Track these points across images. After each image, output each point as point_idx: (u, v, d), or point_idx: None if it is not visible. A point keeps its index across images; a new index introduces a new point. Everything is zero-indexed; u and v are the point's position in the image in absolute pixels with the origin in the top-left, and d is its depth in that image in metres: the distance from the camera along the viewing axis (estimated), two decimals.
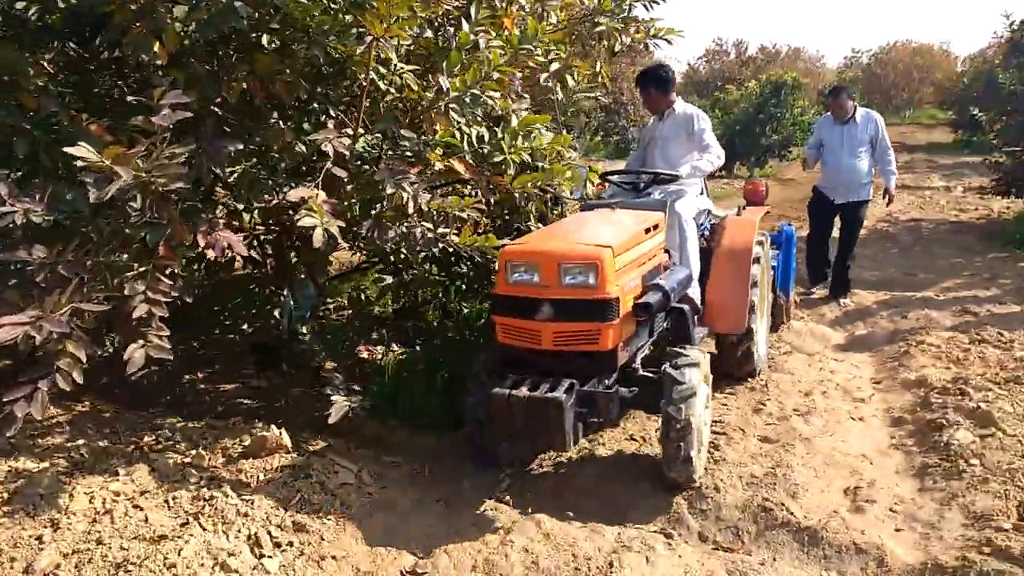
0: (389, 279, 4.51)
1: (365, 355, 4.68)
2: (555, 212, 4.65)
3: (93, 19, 3.12)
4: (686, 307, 3.91)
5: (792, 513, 3.32)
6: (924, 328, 5.79)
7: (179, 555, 2.78)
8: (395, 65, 3.35)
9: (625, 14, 4.52)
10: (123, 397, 4.36)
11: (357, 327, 4.36)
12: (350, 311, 4.68)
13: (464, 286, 4.33)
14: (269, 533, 3.02)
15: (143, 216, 2.88)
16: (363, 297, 4.56)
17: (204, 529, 2.95)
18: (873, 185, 6.73)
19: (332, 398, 3.77)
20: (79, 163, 2.51)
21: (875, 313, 6.43)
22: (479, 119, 3.68)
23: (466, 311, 4.50)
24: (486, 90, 3.47)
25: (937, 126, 28.21)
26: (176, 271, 3.00)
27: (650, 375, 3.68)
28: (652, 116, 5.04)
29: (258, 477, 3.39)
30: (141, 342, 2.88)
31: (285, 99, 3.39)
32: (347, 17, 3.22)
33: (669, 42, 4.71)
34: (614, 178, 4.71)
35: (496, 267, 3.58)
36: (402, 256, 4.29)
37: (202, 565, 2.76)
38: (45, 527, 2.98)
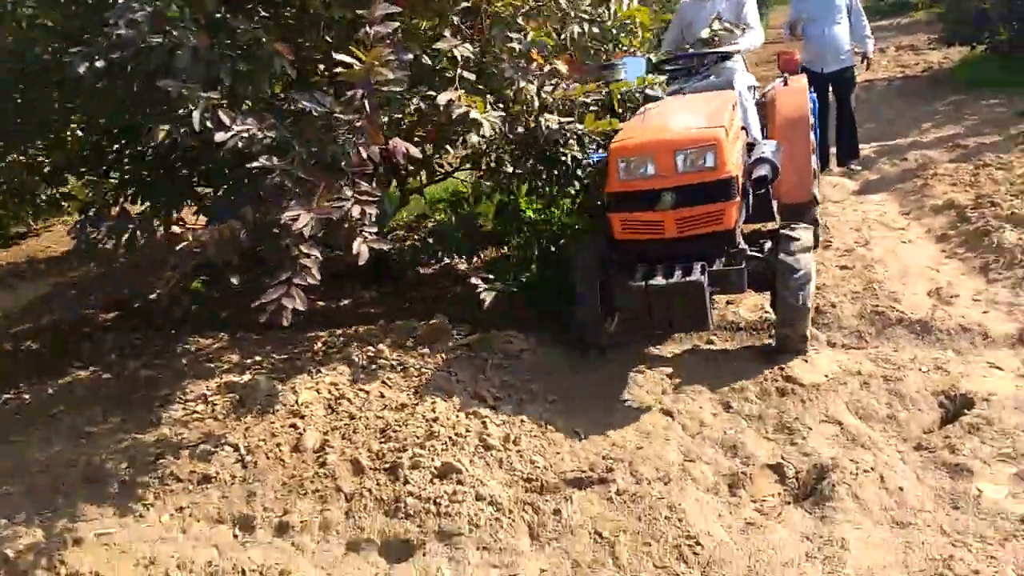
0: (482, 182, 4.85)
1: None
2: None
3: None
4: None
5: (901, 311, 3.93)
6: (928, 164, 6.47)
7: (434, 411, 3.20)
8: None
9: None
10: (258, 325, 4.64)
11: (464, 230, 4.67)
12: (452, 216, 4.99)
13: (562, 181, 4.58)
14: (487, 392, 3.45)
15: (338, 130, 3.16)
16: (466, 200, 4.87)
17: (435, 397, 3.35)
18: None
19: (479, 287, 4.15)
20: (340, 68, 2.79)
21: (875, 161, 7.07)
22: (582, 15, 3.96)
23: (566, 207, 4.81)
24: None
25: None
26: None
27: (756, 253, 3.69)
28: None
29: (444, 356, 3.78)
30: (360, 238, 3.21)
31: (424, 14, 3.63)
32: None
33: None
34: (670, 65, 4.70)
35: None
36: (493, 157, 4.63)
37: (459, 415, 3.18)
38: (290, 417, 3.35)
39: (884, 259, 4.71)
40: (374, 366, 3.73)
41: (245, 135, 2.98)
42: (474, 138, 3.53)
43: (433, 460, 2.94)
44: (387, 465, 2.97)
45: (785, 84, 4.82)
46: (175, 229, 4.03)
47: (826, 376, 3.43)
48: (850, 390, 3.31)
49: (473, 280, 4.28)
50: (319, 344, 4.11)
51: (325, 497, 2.88)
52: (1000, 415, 2.99)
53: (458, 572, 2.49)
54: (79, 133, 4.09)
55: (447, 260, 4.80)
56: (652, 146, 3.46)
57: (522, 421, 3.23)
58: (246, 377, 3.75)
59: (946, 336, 3.74)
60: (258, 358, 4.02)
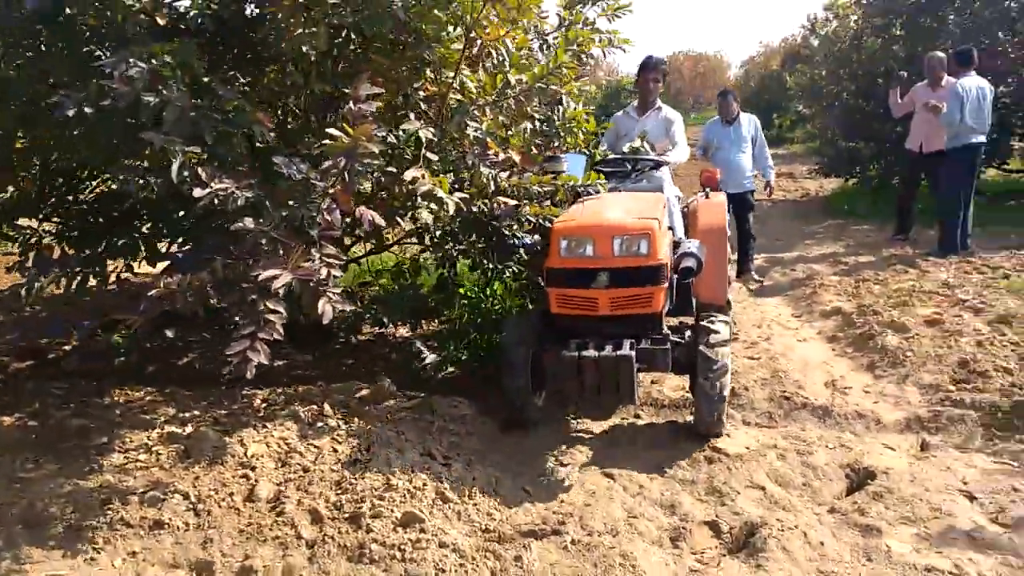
0: (424, 254, 5.10)
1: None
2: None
3: (242, 20, 3.52)
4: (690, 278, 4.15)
5: (805, 397, 4.39)
6: (815, 275, 7.22)
7: (389, 466, 3.31)
8: (487, 64, 4.01)
9: (593, 24, 5.35)
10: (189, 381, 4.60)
11: (407, 299, 4.86)
12: (395, 285, 5.16)
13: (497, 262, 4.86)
14: (435, 451, 3.59)
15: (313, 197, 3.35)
16: (408, 271, 5.07)
17: (387, 451, 3.46)
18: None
19: (423, 354, 4.33)
20: (328, 141, 3.00)
21: (767, 270, 7.82)
22: (534, 113, 4.37)
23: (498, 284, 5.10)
24: (551, 83, 4.21)
25: None
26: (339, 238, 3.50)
27: (677, 338, 3.99)
28: (630, 108, 5.73)
29: (389, 416, 3.90)
30: (325, 298, 3.35)
31: (391, 96, 3.94)
32: (453, 28, 3.84)
33: (624, 51, 5.63)
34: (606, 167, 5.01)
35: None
36: (439, 233, 4.89)
37: (413, 470, 3.30)
38: (241, 468, 3.38)
39: (785, 353, 5.23)
40: (320, 424, 3.80)
41: (222, 193, 3.12)
42: (426, 215, 3.72)
43: (393, 511, 3.04)
44: (347, 515, 3.04)
45: (706, 197, 5.18)
46: (128, 276, 4.05)
47: (747, 448, 3.78)
48: (769, 461, 3.66)
49: (418, 345, 4.48)
50: (259, 401, 4.15)
51: (286, 544, 2.91)
52: (899, 485, 3.39)
53: None
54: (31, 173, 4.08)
55: (387, 327, 4.94)
56: (592, 229, 3.80)
57: (473, 478, 3.39)
58: (188, 429, 3.74)
59: (844, 420, 4.19)
60: (196, 412, 4.00)
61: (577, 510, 3.20)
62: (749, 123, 7.55)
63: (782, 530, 3.04)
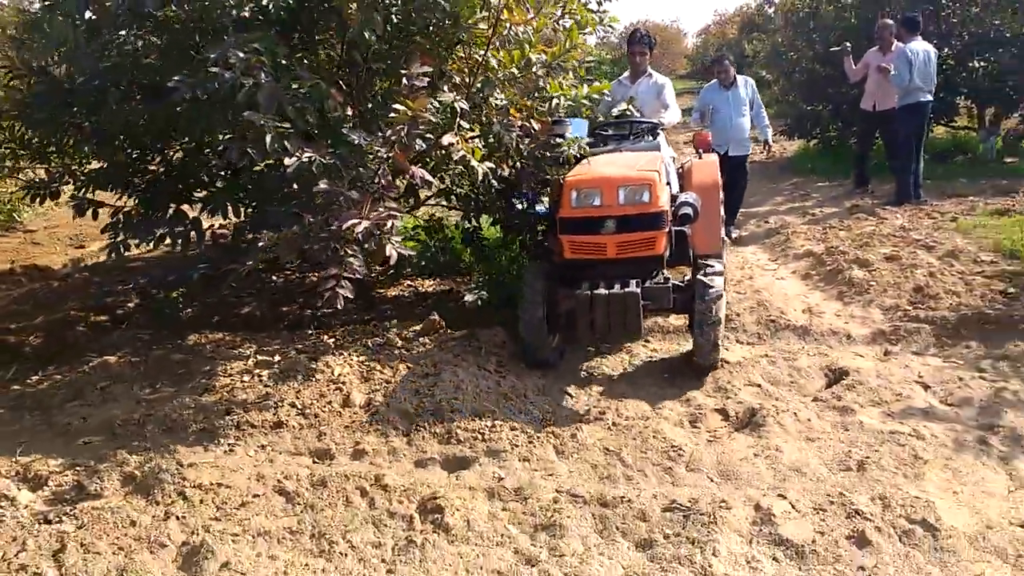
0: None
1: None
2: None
3: (310, 10, 4.13)
4: (687, 231, 4.61)
5: (788, 320, 5.18)
6: (786, 225, 8.03)
7: (456, 376, 4.02)
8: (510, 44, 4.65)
9: (586, 5, 5.97)
10: (253, 327, 5.23)
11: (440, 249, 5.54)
12: (426, 239, 5.83)
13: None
14: (488, 367, 4.30)
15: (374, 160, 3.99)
16: (433, 227, 5.74)
17: (452, 368, 4.17)
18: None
19: (464, 294, 5.02)
20: (393, 114, 3.64)
21: (744, 222, 8.61)
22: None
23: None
24: (569, 59, 4.87)
25: (683, 93, 32.79)
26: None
27: (678, 283, 4.45)
28: (623, 77, 6.35)
29: (443, 345, 4.60)
30: (390, 244, 3.99)
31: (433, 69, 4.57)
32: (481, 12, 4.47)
33: (613, 28, 6.29)
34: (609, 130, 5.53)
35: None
36: (463, 192, 5.56)
37: (476, 379, 4.02)
38: (332, 383, 4.06)
39: (767, 288, 6.02)
40: (386, 352, 4.50)
41: (306, 159, 3.75)
42: (480, 169, 4.38)
43: (467, 406, 3.77)
44: (431, 411, 3.76)
45: (699, 158, 5.56)
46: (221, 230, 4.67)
47: (743, 358, 4.57)
48: (762, 366, 4.45)
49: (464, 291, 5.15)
50: (327, 338, 4.81)
51: (386, 433, 3.62)
52: (867, 379, 4.20)
53: (508, 474, 3.31)
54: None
55: (420, 278, 5.61)
56: (600, 182, 4.23)
57: (524, 384, 4.12)
58: (276, 358, 4.41)
59: (821, 336, 4.99)
60: (276, 346, 4.66)
61: (612, 404, 3.96)
62: (746, 85, 7.84)
63: (776, 412, 3.82)
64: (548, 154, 4.88)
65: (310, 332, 4.94)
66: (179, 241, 4.55)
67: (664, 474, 3.34)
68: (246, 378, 4.14)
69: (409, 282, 6.04)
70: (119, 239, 4.60)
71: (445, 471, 3.38)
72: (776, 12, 18.84)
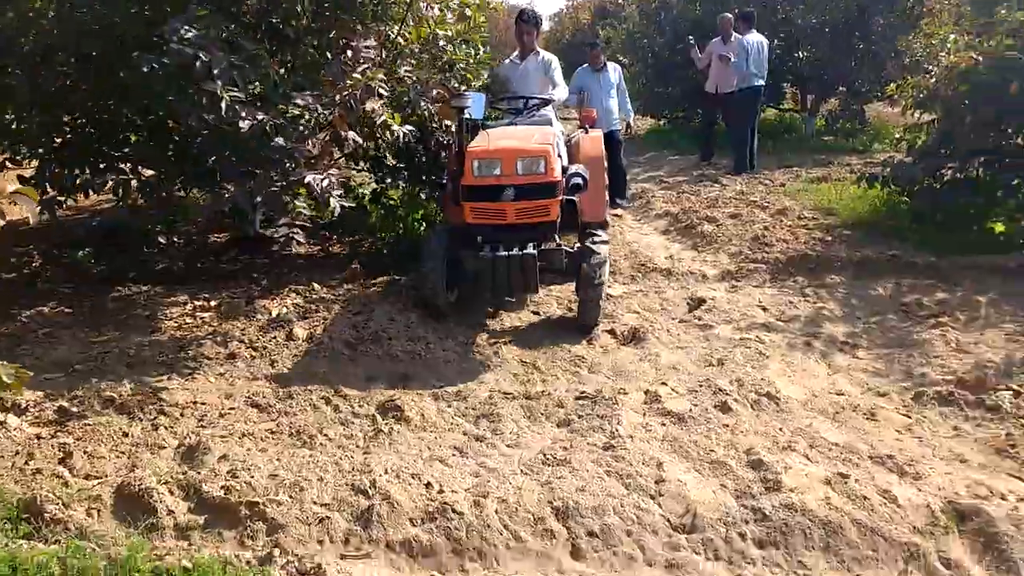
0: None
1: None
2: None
3: None
4: (577, 200, 4.92)
5: (655, 264, 6.11)
6: (646, 192, 9.07)
7: (387, 313, 4.60)
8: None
9: None
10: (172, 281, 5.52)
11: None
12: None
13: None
14: (410, 309, 4.90)
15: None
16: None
17: (380, 307, 4.74)
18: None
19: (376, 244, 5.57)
20: (350, 81, 4.15)
21: None
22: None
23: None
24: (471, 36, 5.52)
25: None
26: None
27: (568, 248, 4.78)
28: (513, 55, 6.62)
29: (366, 290, 5.15)
30: (334, 198, 4.49)
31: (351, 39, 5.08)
32: None
33: (495, 10, 6.95)
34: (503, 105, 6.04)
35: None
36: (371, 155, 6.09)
37: (401, 315, 4.62)
38: (273, 321, 4.54)
39: (636, 241, 6.97)
40: (315, 296, 4.99)
41: (259, 120, 4.20)
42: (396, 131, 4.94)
43: (400, 334, 4.38)
44: (370, 339, 4.34)
45: (586, 133, 5.89)
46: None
47: (623, 292, 5.43)
48: (637, 298, 5.34)
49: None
50: (255, 286, 5.23)
51: (334, 359, 4.16)
52: (720, 305, 5.17)
53: (447, 382, 3.96)
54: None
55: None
56: (500, 152, 4.51)
57: (448, 318, 4.77)
58: (213, 303, 4.80)
59: (682, 276, 5.94)
60: (206, 295, 5.03)
61: (520, 332, 4.69)
62: (614, 71, 8.41)
63: (653, 330, 4.70)
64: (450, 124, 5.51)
65: (237, 283, 5.31)
66: (116, 193, 4.80)
67: (572, 376, 4.11)
68: (189, 320, 4.53)
69: (314, 241, 6.48)
70: (48, 196, 4.78)
71: (392, 384, 3.98)
72: (628, 1, 20.18)
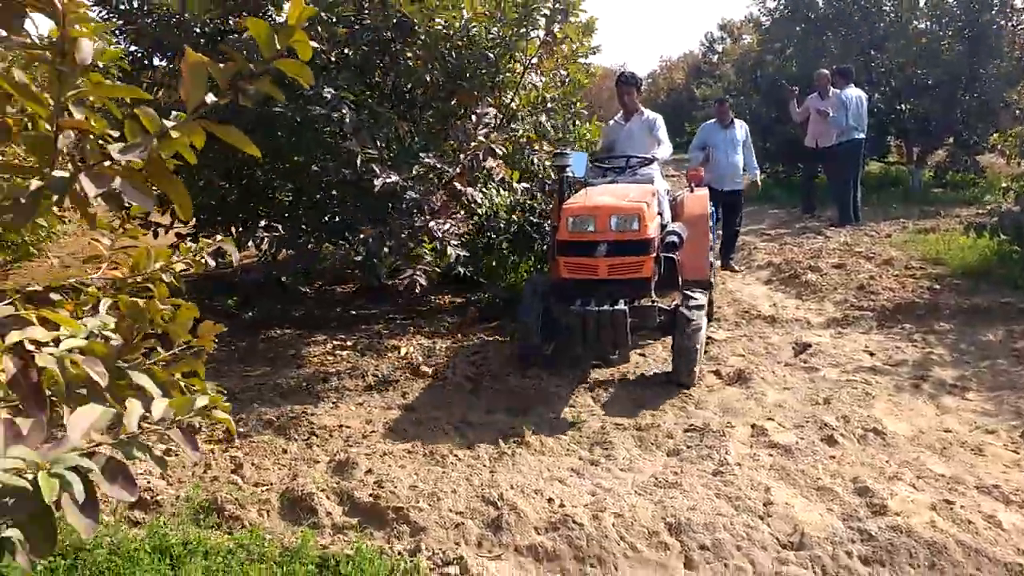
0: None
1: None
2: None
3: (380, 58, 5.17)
4: (675, 257, 5.02)
5: (759, 311, 6.29)
6: (748, 244, 9.24)
7: (501, 354, 4.99)
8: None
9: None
10: (309, 325, 6.12)
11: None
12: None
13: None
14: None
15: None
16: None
17: (493, 347, 5.13)
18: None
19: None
20: (474, 143, 4.67)
21: None
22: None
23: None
24: (573, 97, 5.99)
25: None
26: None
27: (664, 306, 4.76)
28: (618, 116, 6.42)
29: (479, 333, 5.58)
30: (451, 246, 4.97)
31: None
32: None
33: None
34: (605, 163, 6.01)
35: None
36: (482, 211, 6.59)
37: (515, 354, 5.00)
38: (401, 359, 4.99)
39: (738, 290, 7.15)
40: (436, 338, 5.45)
41: (391, 180, 4.75)
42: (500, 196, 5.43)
43: (515, 373, 4.74)
44: (489, 375, 4.72)
45: (691, 191, 6.04)
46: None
47: (728, 337, 5.64)
48: (743, 342, 5.52)
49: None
50: (384, 329, 5.74)
51: (459, 392, 4.56)
52: (826, 349, 5.30)
53: (561, 414, 4.28)
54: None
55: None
56: (594, 209, 4.62)
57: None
58: (349, 342, 5.32)
59: (786, 323, 6.10)
60: (342, 336, 5.57)
61: (629, 376, 4.97)
62: (741, 128, 8.22)
63: (758, 371, 4.88)
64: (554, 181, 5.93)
65: (363, 328, 5.85)
66: (260, 247, 5.45)
67: (679, 411, 4.35)
68: (329, 357, 5.05)
69: (434, 293, 7.00)
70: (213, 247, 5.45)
71: (510, 415, 4.33)
72: (720, 60, 20.53)
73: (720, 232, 7.75)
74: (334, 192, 5.22)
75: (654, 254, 4.65)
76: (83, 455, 1.17)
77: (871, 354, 5.25)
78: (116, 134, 1.37)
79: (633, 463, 3.72)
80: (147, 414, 1.32)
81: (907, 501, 3.23)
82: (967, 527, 3.04)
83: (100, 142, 1.35)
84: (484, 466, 3.69)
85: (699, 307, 4.64)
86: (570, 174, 5.38)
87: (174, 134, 1.28)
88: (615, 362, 5.09)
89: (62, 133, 1.29)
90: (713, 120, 8.35)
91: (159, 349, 1.81)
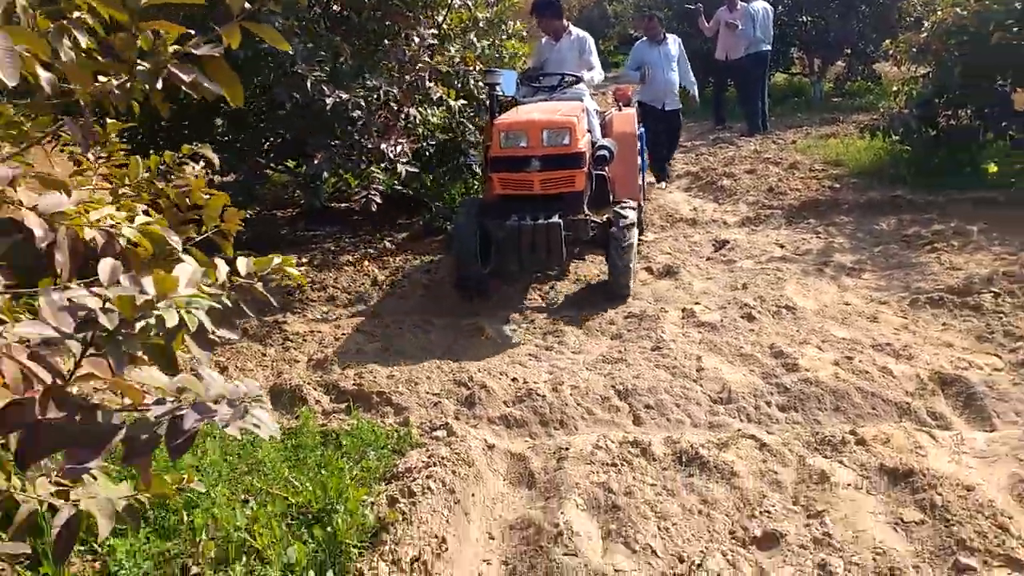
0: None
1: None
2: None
3: None
4: (605, 174, 5.16)
5: (681, 215, 6.83)
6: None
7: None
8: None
9: None
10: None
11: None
12: None
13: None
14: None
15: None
16: None
17: (447, 259, 5.50)
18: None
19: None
20: (419, 64, 4.90)
21: None
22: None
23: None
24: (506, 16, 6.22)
25: None
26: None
27: (597, 220, 4.83)
28: (545, 38, 6.29)
29: (435, 245, 5.92)
30: (401, 164, 5.24)
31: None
32: None
33: None
34: (539, 80, 5.88)
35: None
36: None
37: None
38: (358, 272, 5.30)
39: (661, 197, 7.68)
40: (388, 252, 5.77)
41: (339, 99, 4.94)
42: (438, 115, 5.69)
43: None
44: (441, 282, 5.09)
45: (619, 110, 6.13)
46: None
47: (655, 237, 6.16)
48: (669, 242, 6.06)
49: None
50: (329, 245, 6.00)
51: (416, 298, 4.93)
52: (742, 244, 5.89)
53: (515, 310, 4.71)
54: None
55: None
56: (525, 125, 4.65)
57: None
58: (304, 259, 5.58)
59: (706, 224, 6.67)
60: (294, 255, 5.81)
61: (567, 290, 5.43)
62: (675, 43, 8.18)
63: (684, 266, 5.43)
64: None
65: (316, 245, 6.10)
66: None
67: (618, 302, 4.85)
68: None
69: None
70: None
71: (468, 316, 4.74)
72: None
73: (651, 151, 7.69)
74: (279, 114, 5.36)
75: (585, 168, 4.75)
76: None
77: (781, 246, 5.86)
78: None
79: (583, 346, 4.21)
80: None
81: (815, 360, 3.83)
82: (864, 376, 3.65)
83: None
84: (451, 357, 4.11)
85: (630, 225, 4.69)
86: (500, 92, 5.41)
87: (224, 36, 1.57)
88: (553, 276, 5.29)
89: (141, 34, 1.56)
90: (644, 38, 8.35)
91: (193, 235, 2.12)
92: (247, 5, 1.49)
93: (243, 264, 1.66)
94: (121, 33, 1.54)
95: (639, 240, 5.60)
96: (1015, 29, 6.34)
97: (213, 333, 1.50)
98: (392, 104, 5.29)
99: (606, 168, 5.10)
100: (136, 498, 1.56)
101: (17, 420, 1.05)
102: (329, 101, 4.82)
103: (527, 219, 4.46)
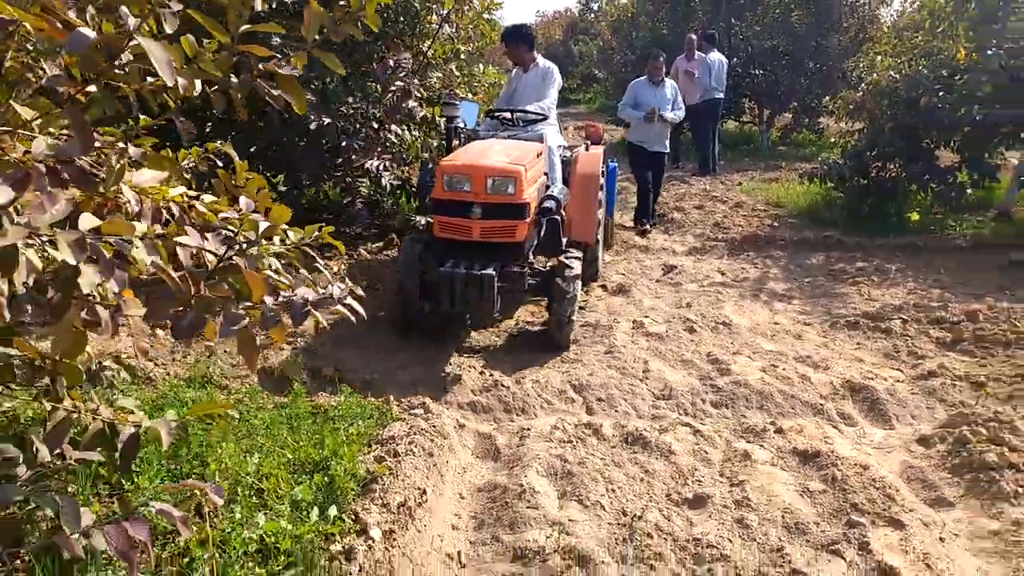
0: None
1: None
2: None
3: None
4: (559, 218, 4.86)
5: (635, 243, 7.40)
6: (624, 188, 10.38)
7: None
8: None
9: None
10: None
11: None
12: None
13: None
14: None
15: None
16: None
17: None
18: None
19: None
20: (393, 87, 5.37)
21: None
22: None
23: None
24: (483, 50, 6.76)
25: None
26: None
27: (540, 268, 4.74)
28: (516, 68, 6.08)
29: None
30: (386, 176, 5.70)
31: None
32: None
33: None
34: (503, 115, 5.61)
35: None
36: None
37: None
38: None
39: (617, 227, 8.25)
40: (365, 258, 6.18)
41: (324, 123, 5.38)
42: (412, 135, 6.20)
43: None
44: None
45: (587, 149, 5.87)
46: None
47: (610, 259, 6.70)
48: (623, 265, 6.61)
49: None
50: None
51: (391, 304, 5.35)
52: (688, 270, 6.46)
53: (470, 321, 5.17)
54: None
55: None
56: (469, 169, 4.41)
57: None
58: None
59: (656, 252, 7.24)
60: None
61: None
62: (671, 87, 8.09)
63: (635, 285, 5.97)
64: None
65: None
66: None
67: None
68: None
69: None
70: None
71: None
72: (598, 19, 21.67)
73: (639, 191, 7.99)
74: (261, 125, 5.70)
75: (529, 218, 4.53)
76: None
77: (722, 273, 6.45)
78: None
79: (536, 354, 4.68)
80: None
81: (745, 367, 4.37)
82: (786, 381, 4.20)
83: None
84: (427, 353, 4.53)
85: (574, 278, 4.57)
86: (460, 124, 5.31)
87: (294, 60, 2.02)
88: (486, 324, 5.03)
89: (234, 56, 2.00)
90: (644, 78, 8.12)
91: None
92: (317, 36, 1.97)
93: (292, 233, 2.11)
94: (223, 52, 1.99)
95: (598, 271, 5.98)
96: (941, 94, 7.13)
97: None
98: (373, 124, 5.74)
99: (561, 211, 4.93)
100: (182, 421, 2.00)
101: (182, 300, 1.50)
102: (313, 126, 5.23)
103: (461, 267, 4.30)
